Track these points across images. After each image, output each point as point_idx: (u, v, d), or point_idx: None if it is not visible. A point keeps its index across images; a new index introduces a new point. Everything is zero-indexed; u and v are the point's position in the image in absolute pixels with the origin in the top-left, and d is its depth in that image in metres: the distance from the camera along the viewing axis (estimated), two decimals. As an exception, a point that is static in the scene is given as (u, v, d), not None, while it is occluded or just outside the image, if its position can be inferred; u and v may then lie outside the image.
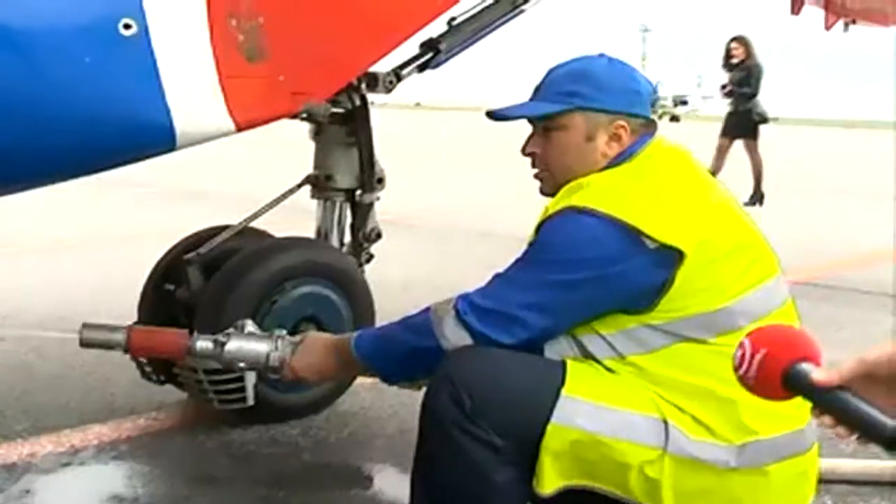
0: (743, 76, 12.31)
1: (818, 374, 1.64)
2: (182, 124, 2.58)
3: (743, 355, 1.73)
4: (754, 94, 12.45)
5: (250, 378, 3.48)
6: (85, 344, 2.62)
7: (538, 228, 2.37)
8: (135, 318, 3.86)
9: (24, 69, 2.42)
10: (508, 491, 2.22)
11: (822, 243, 9.28)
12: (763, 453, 2.25)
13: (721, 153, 12.54)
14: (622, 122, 2.41)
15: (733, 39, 12.45)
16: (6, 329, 4.99)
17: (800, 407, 2.25)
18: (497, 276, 2.37)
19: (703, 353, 2.23)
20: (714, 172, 12.25)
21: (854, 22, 7.69)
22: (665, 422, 2.20)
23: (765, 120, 12.66)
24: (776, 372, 1.69)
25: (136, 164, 2.75)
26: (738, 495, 2.26)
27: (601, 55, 2.53)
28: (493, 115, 2.59)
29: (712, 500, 2.25)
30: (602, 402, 2.20)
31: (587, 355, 2.29)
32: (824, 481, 3.20)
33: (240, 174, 12.97)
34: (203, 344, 2.58)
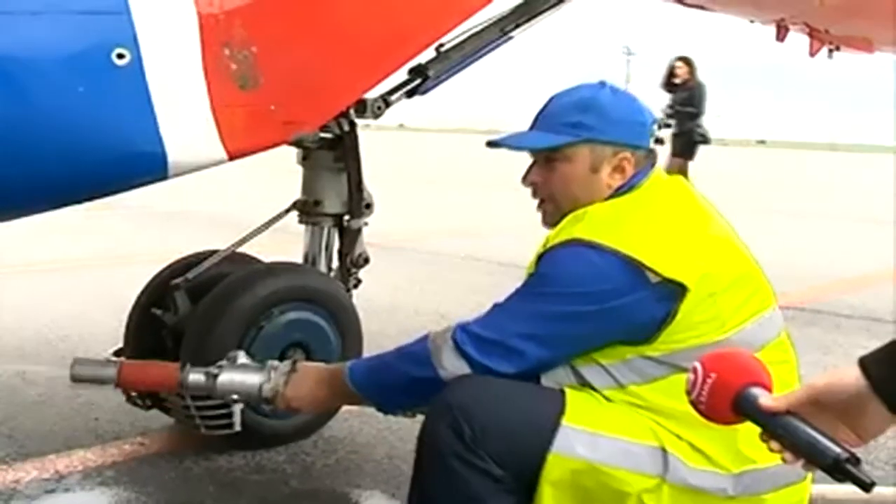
0: (686, 96, 12.41)
1: (767, 399, 1.67)
2: (174, 153, 2.57)
3: (695, 380, 1.76)
4: (699, 114, 12.56)
5: (237, 403, 3.48)
6: (76, 379, 2.61)
7: (539, 259, 2.36)
8: (121, 341, 3.85)
9: (17, 99, 2.41)
10: None
11: (808, 267, 9.31)
12: (761, 482, 2.25)
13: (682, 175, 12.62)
14: (626, 154, 2.42)
15: (678, 59, 12.46)
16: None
17: None
18: (497, 305, 2.37)
19: None
20: None
21: (838, 49, 7.73)
22: (664, 450, 2.20)
23: (706, 140, 12.76)
24: (727, 396, 1.72)
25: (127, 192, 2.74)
26: None
27: (603, 84, 2.52)
28: (496, 144, 2.56)
29: None
30: (602, 430, 2.21)
31: (585, 384, 2.29)
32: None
33: (230, 197, 12.96)
34: (195, 377, 2.57)
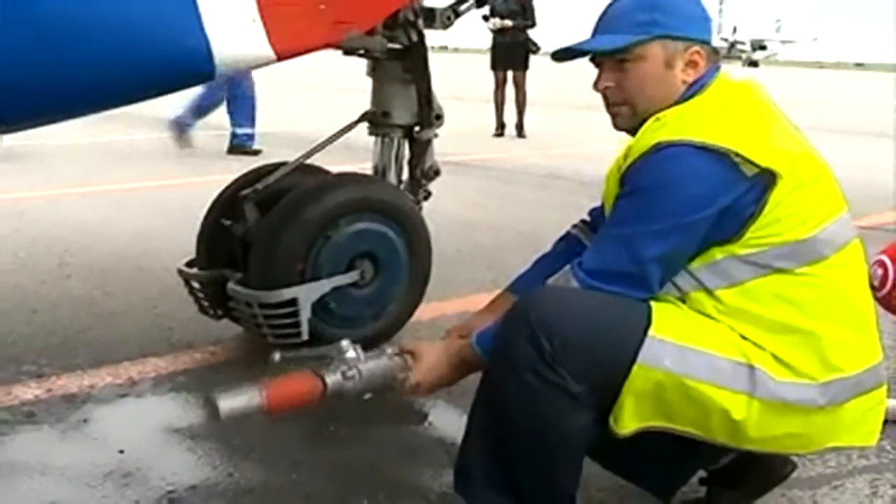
0: (519, 9, 12.82)
1: None
2: (221, 52, 2.54)
3: (885, 274, 1.69)
4: (533, 24, 13.09)
5: (305, 312, 3.50)
6: (225, 416, 2.30)
7: (628, 172, 2.28)
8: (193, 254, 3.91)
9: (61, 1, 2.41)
10: (576, 437, 2.19)
11: (889, 188, 9.05)
12: (845, 390, 2.23)
13: (502, 88, 13.43)
14: (697, 48, 2.37)
15: None
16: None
17: (875, 341, 2.28)
18: (607, 234, 2.31)
19: (788, 284, 2.20)
20: (500, 106, 13.35)
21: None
22: (751, 366, 2.16)
23: (537, 50, 13.17)
24: None
25: (176, 93, 2.73)
26: (817, 432, 2.26)
27: None
28: (567, 51, 2.48)
29: (795, 437, 2.24)
30: (689, 343, 2.16)
31: (672, 288, 2.25)
32: (886, 422, 3.15)
33: (313, 118, 13.01)
34: (337, 382, 2.36)
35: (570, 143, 12.48)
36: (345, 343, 2.43)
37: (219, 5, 2.54)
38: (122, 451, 2.93)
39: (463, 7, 3.96)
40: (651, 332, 2.15)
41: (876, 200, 7.68)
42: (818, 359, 2.19)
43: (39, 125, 2.85)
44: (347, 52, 3.86)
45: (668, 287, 2.25)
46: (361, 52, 3.87)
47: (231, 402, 2.28)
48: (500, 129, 13.40)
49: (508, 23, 12.80)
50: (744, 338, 2.19)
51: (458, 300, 4.52)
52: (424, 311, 4.07)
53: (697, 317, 2.22)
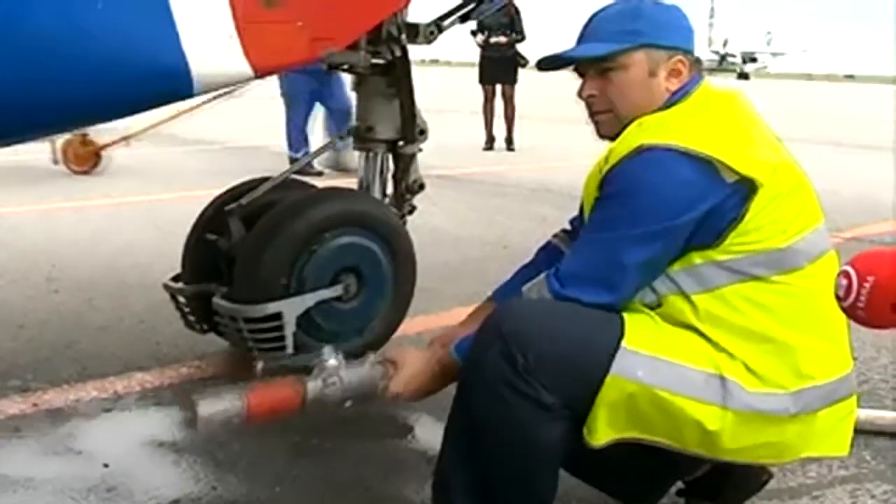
0: (508, 21, 12.86)
1: None
2: (199, 70, 2.57)
3: (849, 285, 1.67)
4: (522, 38, 13.16)
5: (290, 326, 3.52)
6: (206, 424, 2.30)
7: (608, 175, 2.29)
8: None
9: (38, 16, 2.43)
10: (550, 447, 2.20)
11: (889, 200, 9.08)
12: (818, 398, 2.24)
13: (491, 102, 13.50)
14: (680, 57, 2.39)
15: None
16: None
17: (846, 351, 2.29)
18: (584, 240, 2.33)
19: (763, 291, 2.22)
20: (489, 120, 13.45)
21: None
22: (722, 377, 2.17)
23: (525, 64, 13.13)
24: (888, 298, 1.64)
25: (155, 110, 2.75)
26: (791, 441, 2.27)
27: None
28: (551, 60, 2.50)
29: (769, 447, 2.26)
30: (661, 355, 2.17)
31: (648, 292, 2.27)
32: (864, 433, 3.18)
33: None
34: (318, 389, 2.37)
35: (560, 156, 12.49)
36: (327, 351, 2.43)
37: (196, 22, 2.56)
38: (106, 465, 2.95)
39: (447, 22, 3.98)
40: (624, 343, 2.17)
41: (874, 211, 7.70)
42: (790, 368, 2.20)
43: (16, 143, 2.87)
44: (331, 68, 3.88)
45: (646, 291, 2.27)
46: (345, 67, 3.90)
47: (211, 407, 2.29)
48: (490, 142, 13.47)
49: (503, 39, 12.83)
50: (717, 346, 2.20)
51: (444, 314, 4.53)
52: (410, 325, 4.08)
53: (670, 328, 2.24)
